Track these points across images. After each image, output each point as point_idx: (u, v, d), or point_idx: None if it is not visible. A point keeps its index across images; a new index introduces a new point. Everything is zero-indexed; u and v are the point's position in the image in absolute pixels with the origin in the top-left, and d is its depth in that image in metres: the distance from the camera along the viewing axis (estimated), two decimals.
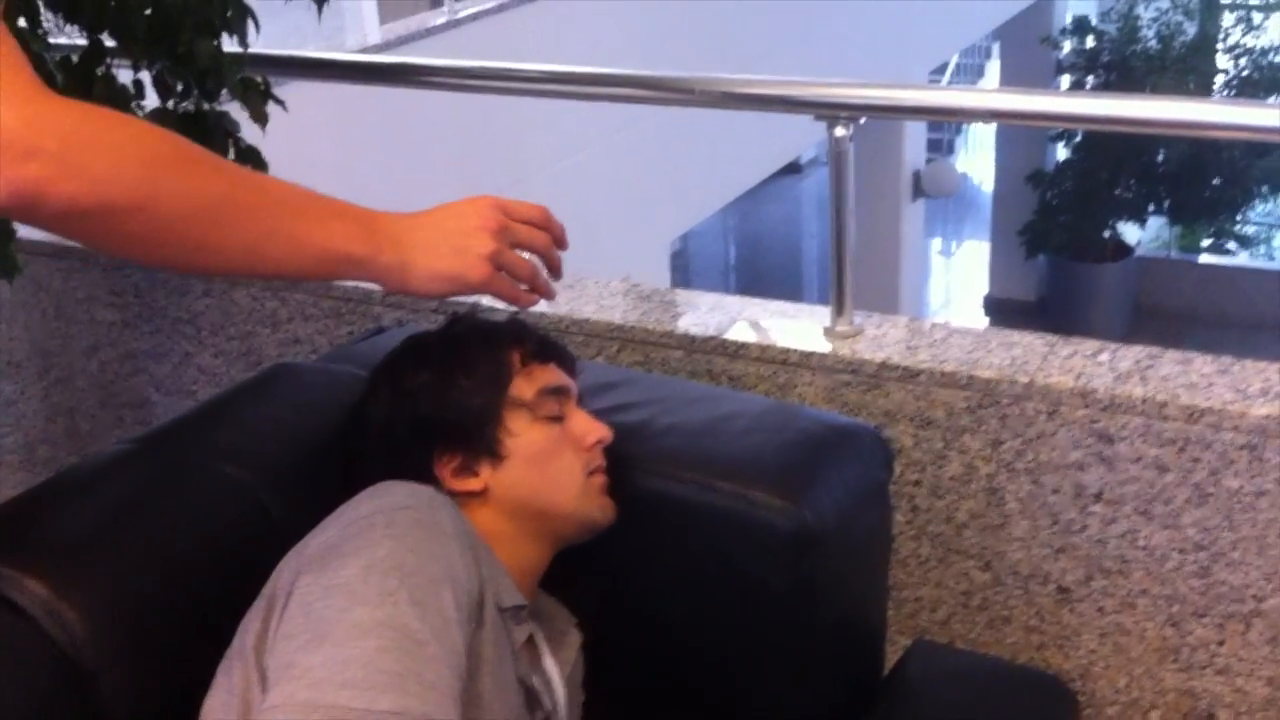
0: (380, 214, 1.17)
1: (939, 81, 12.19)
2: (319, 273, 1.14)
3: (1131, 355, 1.75)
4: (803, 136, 7.29)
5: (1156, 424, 1.65)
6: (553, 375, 1.36)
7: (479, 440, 1.30)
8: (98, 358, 2.52)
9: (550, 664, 1.30)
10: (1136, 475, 1.68)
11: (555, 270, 1.29)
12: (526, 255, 1.26)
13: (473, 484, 1.30)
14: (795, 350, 1.85)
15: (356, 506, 1.18)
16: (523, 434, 1.31)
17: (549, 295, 1.29)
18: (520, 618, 1.25)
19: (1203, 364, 1.72)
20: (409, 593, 1.06)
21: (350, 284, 2.18)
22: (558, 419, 1.35)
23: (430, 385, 1.32)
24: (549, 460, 1.32)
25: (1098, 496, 1.72)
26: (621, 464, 1.38)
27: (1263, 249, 11.19)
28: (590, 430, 1.35)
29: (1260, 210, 10.57)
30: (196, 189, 1.03)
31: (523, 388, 1.33)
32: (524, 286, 1.26)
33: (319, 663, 1.01)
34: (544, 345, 1.38)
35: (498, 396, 1.32)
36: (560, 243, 1.27)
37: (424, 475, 1.28)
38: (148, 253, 1.05)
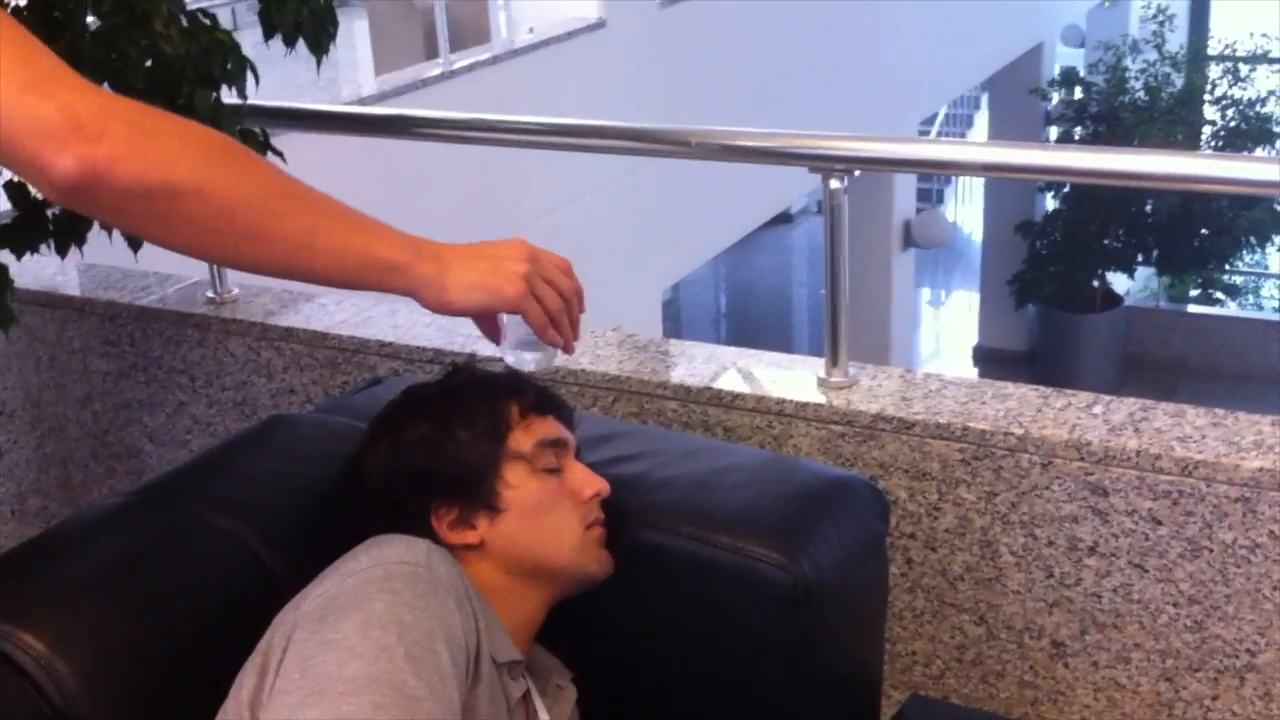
0: (419, 236, 1.21)
1: (929, 131, 12.30)
2: (361, 278, 1.17)
3: (1125, 408, 1.76)
4: (795, 187, 7.34)
5: (1150, 477, 1.66)
6: (551, 427, 1.36)
7: (476, 493, 1.30)
8: (91, 408, 2.52)
9: (545, 719, 1.30)
10: (1130, 528, 1.69)
11: (575, 323, 1.29)
12: None
13: (469, 537, 1.30)
14: (790, 401, 1.86)
15: (353, 560, 1.18)
16: (520, 486, 1.31)
17: (569, 344, 1.29)
18: (516, 673, 1.25)
19: (1196, 416, 1.73)
20: (405, 648, 1.06)
21: (345, 333, 2.19)
22: (555, 471, 1.34)
23: (428, 437, 1.32)
24: (546, 513, 1.32)
25: (1092, 549, 1.72)
26: (618, 517, 1.38)
27: (1250, 299, 11.25)
28: (588, 483, 1.35)
29: (1248, 260, 10.63)
30: (251, 177, 1.10)
31: (521, 440, 1.33)
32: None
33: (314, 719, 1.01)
34: (543, 397, 1.38)
35: (496, 448, 1.32)
36: (580, 301, 1.29)
37: (421, 528, 1.28)
38: (202, 239, 1.10)
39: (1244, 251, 10.10)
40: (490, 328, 1.30)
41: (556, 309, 1.25)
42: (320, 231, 1.13)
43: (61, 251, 1.97)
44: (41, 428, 2.60)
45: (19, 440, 2.64)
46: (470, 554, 1.30)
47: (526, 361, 1.30)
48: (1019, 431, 1.72)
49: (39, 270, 2.48)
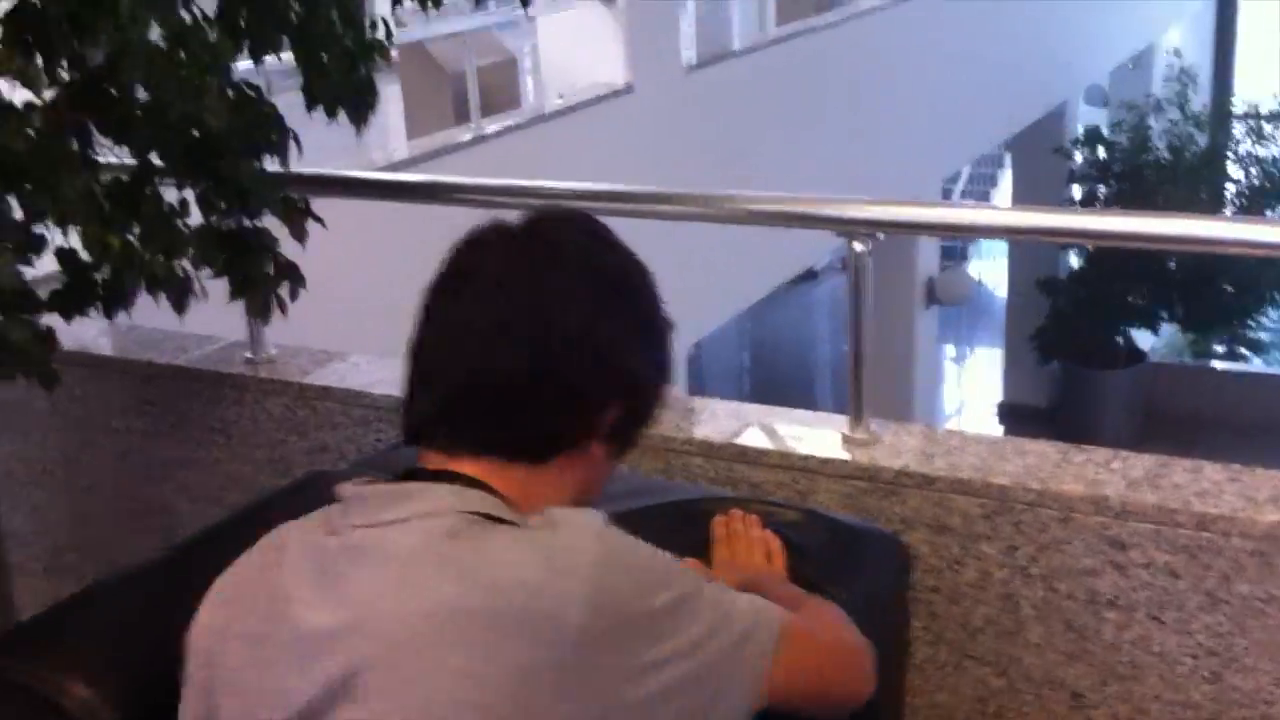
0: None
1: (953, 189, 12.36)
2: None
3: (1142, 463, 1.79)
4: (820, 244, 7.38)
5: (1168, 531, 1.69)
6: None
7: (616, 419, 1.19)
8: (127, 465, 2.57)
9: None
10: (1149, 581, 1.71)
11: None
12: None
13: (597, 451, 1.18)
14: (814, 457, 1.89)
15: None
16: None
17: None
18: None
19: (1212, 472, 1.76)
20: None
21: (379, 392, 2.24)
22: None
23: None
24: (594, 483, 1.24)
25: (1111, 602, 1.74)
26: None
27: (1275, 354, 11.21)
28: None
29: (1273, 316, 10.61)
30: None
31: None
32: None
33: None
34: None
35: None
36: None
37: (586, 414, 1.17)
38: None
39: (1269, 307, 10.09)
40: None
41: None
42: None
43: (110, 314, 2.03)
44: (78, 485, 2.65)
45: (55, 498, 2.69)
46: (568, 466, 1.17)
47: None
48: (1038, 487, 1.76)
49: (80, 331, 2.54)
